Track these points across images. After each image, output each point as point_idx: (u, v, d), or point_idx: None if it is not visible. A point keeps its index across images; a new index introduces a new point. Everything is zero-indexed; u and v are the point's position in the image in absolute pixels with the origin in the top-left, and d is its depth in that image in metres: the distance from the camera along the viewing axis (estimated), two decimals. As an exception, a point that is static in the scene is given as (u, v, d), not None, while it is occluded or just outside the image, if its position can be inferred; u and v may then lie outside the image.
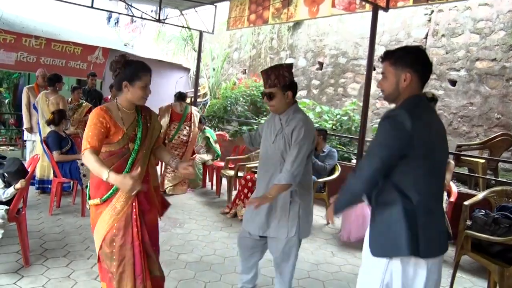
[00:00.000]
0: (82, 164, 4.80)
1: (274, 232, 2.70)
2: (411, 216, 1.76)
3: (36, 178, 5.33)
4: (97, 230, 2.37)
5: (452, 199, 4.39)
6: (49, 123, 4.95)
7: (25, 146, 6.27)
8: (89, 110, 6.14)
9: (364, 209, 4.26)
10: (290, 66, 2.72)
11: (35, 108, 5.59)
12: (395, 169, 1.79)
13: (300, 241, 2.77)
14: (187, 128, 6.29)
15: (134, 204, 2.36)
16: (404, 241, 1.75)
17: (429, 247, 1.78)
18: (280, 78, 2.62)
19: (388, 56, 1.90)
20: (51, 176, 5.12)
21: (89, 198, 2.41)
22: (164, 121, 6.16)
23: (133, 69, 2.32)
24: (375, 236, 1.88)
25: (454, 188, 4.57)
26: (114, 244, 2.33)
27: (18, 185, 3.24)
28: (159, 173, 6.15)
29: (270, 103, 2.68)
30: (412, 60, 1.86)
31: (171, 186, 6.15)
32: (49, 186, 5.24)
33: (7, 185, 3.37)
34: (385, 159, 1.76)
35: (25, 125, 5.92)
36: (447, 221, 3.84)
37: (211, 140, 6.70)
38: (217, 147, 6.79)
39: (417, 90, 1.88)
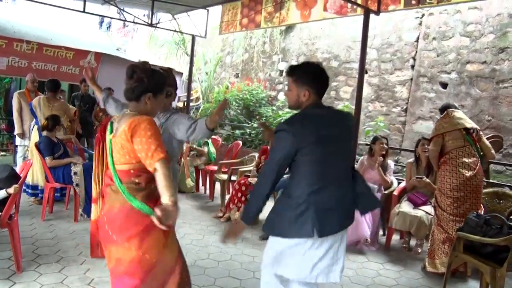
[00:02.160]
0: (75, 173, 4.68)
1: None
2: (297, 202, 2.09)
3: (29, 184, 5.27)
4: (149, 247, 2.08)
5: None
6: (42, 128, 4.93)
7: (17, 151, 6.22)
8: (74, 114, 6.10)
9: (356, 213, 4.26)
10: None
11: (33, 112, 5.44)
12: (294, 163, 2.12)
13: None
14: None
15: None
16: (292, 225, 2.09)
17: (322, 228, 2.09)
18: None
19: (291, 72, 2.22)
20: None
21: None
22: None
23: (159, 80, 2.10)
24: (271, 217, 2.23)
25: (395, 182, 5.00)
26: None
27: (11, 190, 3.22)
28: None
29: None
30: (310, 79, 2.18)
31: None
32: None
33: (-1, 192, 3.35)
34: (280, 161, 2.11)
35: (17, 130, 5.86)
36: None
37: (211, 149, 6.70)
38: (213, 152, 6.79)
39: (314, 101, 2.21)
